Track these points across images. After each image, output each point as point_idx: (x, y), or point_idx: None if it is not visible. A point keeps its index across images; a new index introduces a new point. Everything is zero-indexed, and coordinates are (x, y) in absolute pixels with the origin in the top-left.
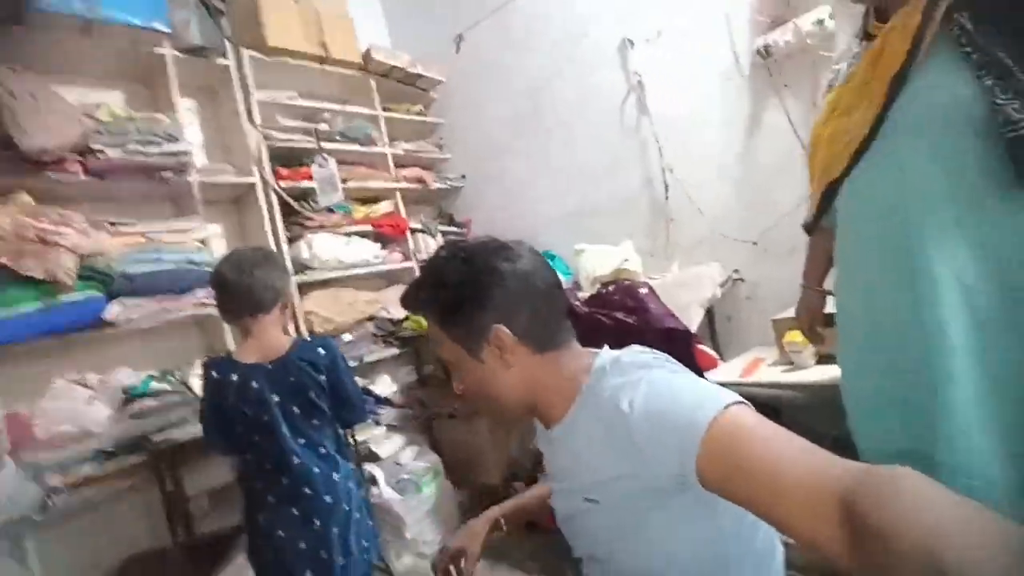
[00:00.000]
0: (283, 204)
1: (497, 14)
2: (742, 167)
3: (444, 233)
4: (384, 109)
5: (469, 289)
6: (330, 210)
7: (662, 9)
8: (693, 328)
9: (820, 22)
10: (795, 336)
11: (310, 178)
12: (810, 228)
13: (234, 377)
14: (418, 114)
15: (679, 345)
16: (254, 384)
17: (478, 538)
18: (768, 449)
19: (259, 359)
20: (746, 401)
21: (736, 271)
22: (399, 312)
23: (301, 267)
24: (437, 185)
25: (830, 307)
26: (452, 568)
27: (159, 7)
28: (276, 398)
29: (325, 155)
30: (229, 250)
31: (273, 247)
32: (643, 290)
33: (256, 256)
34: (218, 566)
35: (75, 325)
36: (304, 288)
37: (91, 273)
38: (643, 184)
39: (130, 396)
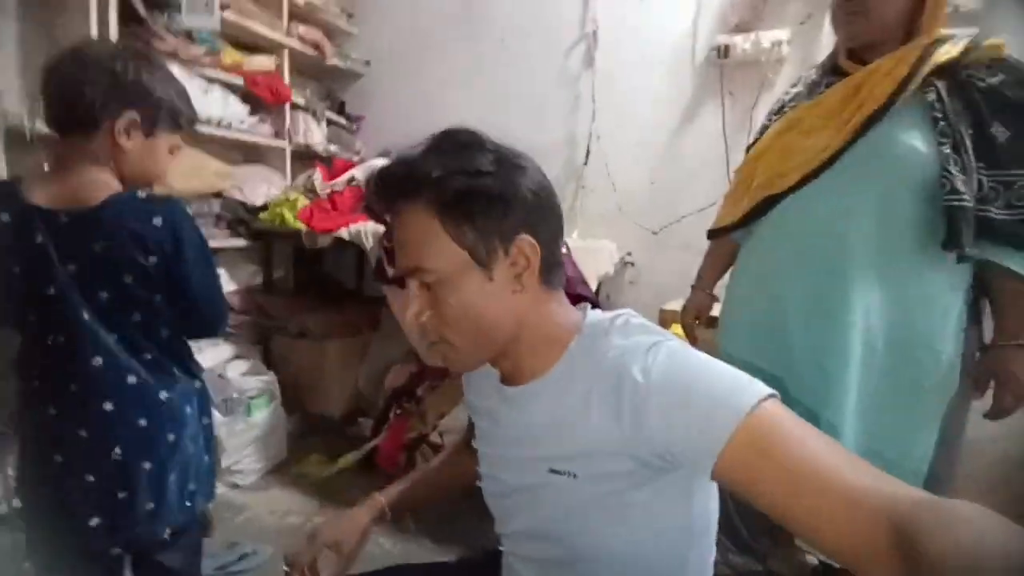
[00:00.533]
0: (124, 6)
1: None
2: (665, 156)
3: (330, 122)
4: None
5: (501, 183)
6: (190, 37)
7: None
8: None
9: (778, 43)
10: (676, 330)
11: None
12: (716, 233)
13: (4, 217)
14: None
15: None
16: (38, 238)
17: (357, 531)
18: (809, 454)
19: (54, 203)
20: (776, 392)
21: (629, 254)
22: (256, 197)
23: None
24: (335, 61)
25: (714, 311)
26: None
27: None
28: (71, 268)
29: None
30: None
31: None
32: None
33: (103, 50)
34: None
35: None
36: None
37: None
38: (565, 141)
39: None
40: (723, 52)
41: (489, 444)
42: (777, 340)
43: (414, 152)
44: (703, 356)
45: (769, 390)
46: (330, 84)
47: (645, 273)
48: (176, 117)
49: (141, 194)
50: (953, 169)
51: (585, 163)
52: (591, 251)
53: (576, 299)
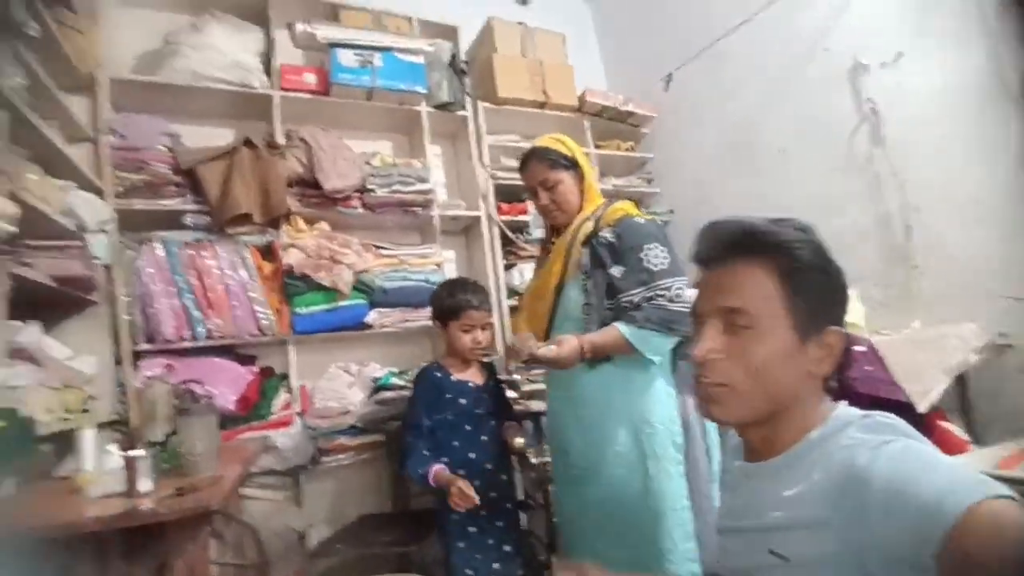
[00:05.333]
0: (503, 235)
1: (708, 51)
2: (1012, 207)
3: None
4: (596, 147)
5: (835, 276)
6: (540, 241)
7: (902, 27)
8: (927, 401)
9: None
10: None
11: (526, 212)
12: None
13: None
14: (628, 150)
15: None
16: None
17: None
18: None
19: None
20: (1019, 498)
21: (1003, 334)
22: None
23: (512, 292)
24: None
25: None
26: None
27: (419, 73)
28: None
29: None
30: (455, 274)
31: (491, 273)
32: (859, 347)
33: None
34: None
35: (347, 325)
36: (515, 311)
37: (361, 286)
38: (876, 224)
39: (377, 386)
40: None
41: (727, 519)
42: None
43: (756, 218)
44: (936, 454)
45: (1002, 490)
46: None
47: None
48: None
49: None
50: (593, 300)
51: (908, 240)
52: (926, 342)
53: (878, 404)
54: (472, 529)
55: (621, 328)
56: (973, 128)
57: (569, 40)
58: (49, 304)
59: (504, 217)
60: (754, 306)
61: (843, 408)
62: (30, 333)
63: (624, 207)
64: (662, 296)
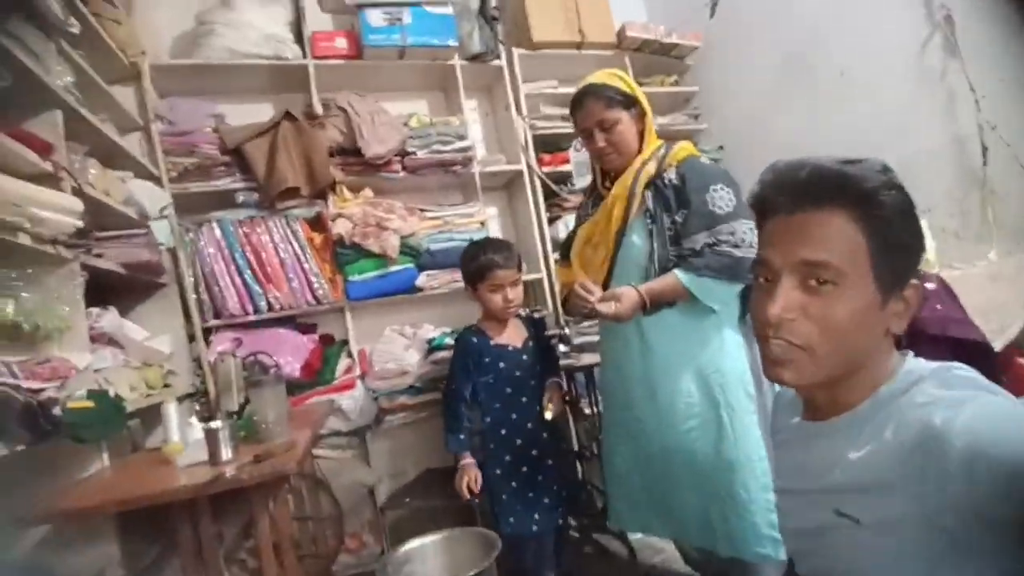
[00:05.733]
0: (545, 187)
1: None
2: None
3: None
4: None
5: (918, 225)
6: (583, 192)
7: None
8: (1004, 338)
9: None
10: None
11: (568, 162)
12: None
13: None
14: (672, 84)
15: (972, 362)
16: None
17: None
18: None
19: None
20: None
21: None
22: None
23: (557, 245)
24: None
25: None
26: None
27: (449, 26)
28: None
29: (581, 139)
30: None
31: (535, 227)
32: (929, 284)
33: None
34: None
35: (398, 289)
36: (560, 263)
37: (408, 250)
38: (949, 144)
39: (432, 347)
40: None
41: (784, 479)
42: None
43: (830, 160)
44: (1020, 407)
45: None
46: None
47: None
48: None
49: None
50: (656, 245)
51: (984, 163)
52: (1005, 275)
53: (951, 344)
54: (513, 484)
55: (680, 275)
56: None
57: None
58: (123, 290)
59: (546, 169)
60: (840, 260)
61: (913, 361)
62: (109, 318)
63: (688, 147)
64: (726, 241)
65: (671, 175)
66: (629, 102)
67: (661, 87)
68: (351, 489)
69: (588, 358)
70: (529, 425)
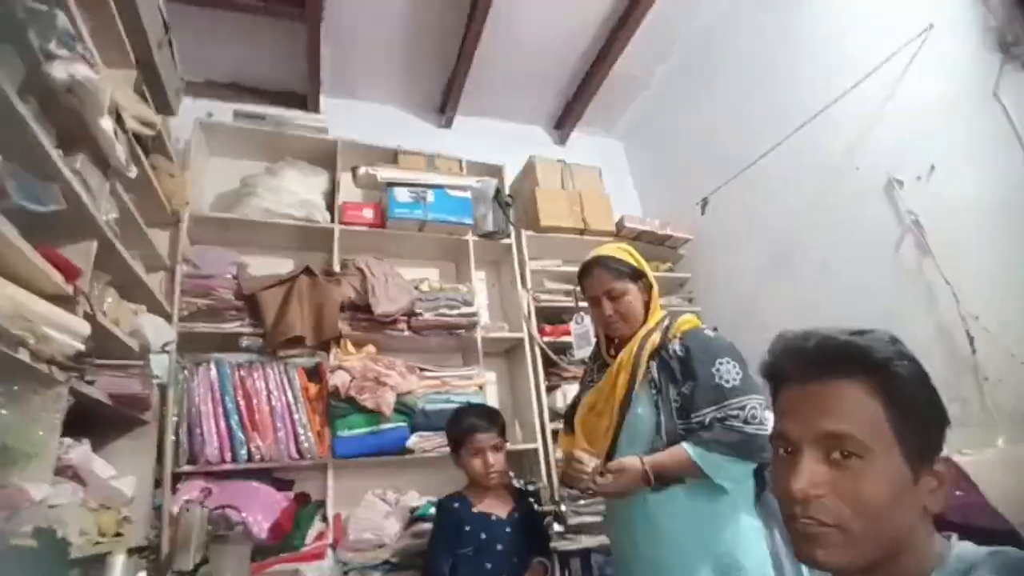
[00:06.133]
0: (545, 357)
1: (741, 176)
2: None
3: None
4: None
5: (936, 394)
6: (584, 362)
7: (931, 141)
8: None
9: None
10: None
11: (568, 334)
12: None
13: None
14: (667, 271)
15: None
16: None
17: None
18: None
19: None
20: None
21: None
22: None
23: (556, 415)
24: None
25: None
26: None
27: (467, 207)
28: None
29: (582, 313)
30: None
31: (534, 395)
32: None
33: None
34: None
35: (387, 449)
36: (558, 435)
37: (402, 408)
38: (936, 336)
39: (415, 516)
40: None
41: None
42: None
43: (842, 333)
44: None
45: None
46: None
47: None
48: None
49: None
50: (663, 417)
51: (973, 351)
52: (1015, 462)
53: (977, 533)
54: None
55: (688, 449)
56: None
57: (605, 173)
58: (100, 421)
59: (547, 338)
60: (862, 432)
61: (962, 545)
62: (80, 451)
63: (692, 320)
64: (735, 416)
65: (675, 346)
66: (636, 275)
67: (657, 272)
68: None
69: (587, 540)
70: None
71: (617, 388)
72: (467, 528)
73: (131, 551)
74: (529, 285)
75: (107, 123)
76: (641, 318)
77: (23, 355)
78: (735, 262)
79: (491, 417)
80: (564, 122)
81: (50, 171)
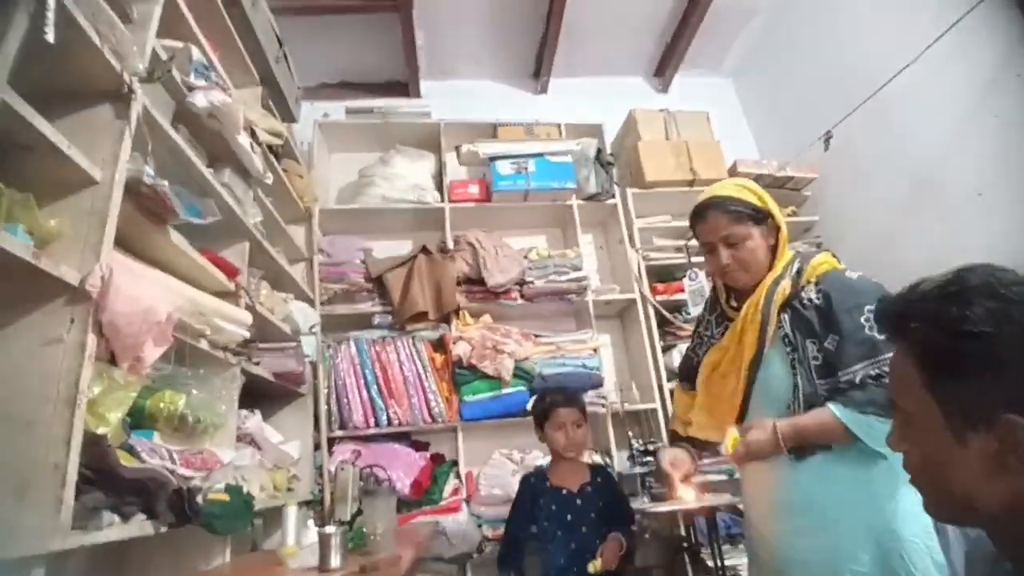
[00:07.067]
0: (659, 315)
1: (869, 103)
2: None
3: None
4: None
5: (1000, 348)
6: None
7: None
8: None
9: None
10: None
11: (682, 291)
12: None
13: None
14: (790, 215)
15: None
16: None
17: None
18: None
19: None
20: None
21: None
22: None
23: (673, 374)
24: None
25: None
26: None
27: (568, 171)
28: None
29: (696, 270)
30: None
31: (650, 355)
32: None
33: None
34: None
35: (509, 412)
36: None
37: (521, 373)
38: None
39: None
40: None
41: None
42: None
43: (916, 291)
44: None
45: None
46: None
47: None
48: None
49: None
50: (799, 375)
51: None
52: None
53: None
54: None
55: (835, 410)
56: None
57: (713, 117)
58: (266, 395)
59: (659, 297)
60: (903, 399)
61: None
62: (254, 420)
63: (828, 260)
64: None
65: (811, 294)
66: (761, 216)
67: None
68: None
69: (712, 499)
70: (575, 570)
71: (744, 347)
72: (541, 500)
73: (300, 504)
74: (638, 244)
75: (244, 139)
76: (766, 265)
77: (204, 345)
78: (867, 199)
79: (573, 396)
80: (664, 68)
81: (204, 187)
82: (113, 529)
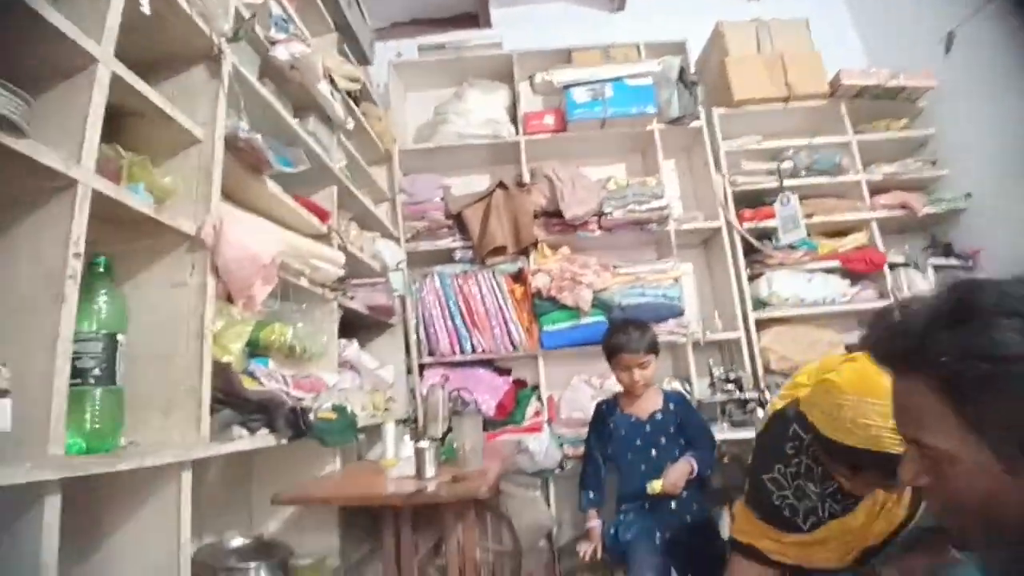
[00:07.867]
0: (746, 243)
1: None
2: None
3: (937, 268)
4: (856, 132)
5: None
6: (792, 247)
7: None
8: None
9: None
10: None
11: (772, 217)
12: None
13: None
14: (901, 129)
15: None
16: None
17: None
18: None
19: None
20: None
21: None
22: None
23: (760, 304)
24: (928, 209)
25: None
26: None
27: (648, 95)
28: None
29: (788, 193)
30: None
31: (735, 284)
32: None
33: None
34: None
35: (588, 340)
36: (762, 324)
37: (599, 303)
38: None
39: None
40: None
41: None
42: None
43: (920, 318)
44: None
45: None
46: (931, 230)
47: None
48: None
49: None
50: None
51: None
52: None
53: None
54: (644, 550)
55: None
56: None
57: (814, 22)
58: (361, 326)
59: (747, 224)
60: (930, 436)
61: None
62: (352, 349)
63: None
64: None
65: None
66: None
67: (887, 132)
68: (531, 530)
69: None
70: (645, 492)
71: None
72: (612, 426)
73: (397, 421)
74: (724, 169)
75: (324, 87)
76: None
77: (304, 283)
78: (993, 113)
79: (640, 336)
80: None
81: (292, 137)
82: (243, 441)
